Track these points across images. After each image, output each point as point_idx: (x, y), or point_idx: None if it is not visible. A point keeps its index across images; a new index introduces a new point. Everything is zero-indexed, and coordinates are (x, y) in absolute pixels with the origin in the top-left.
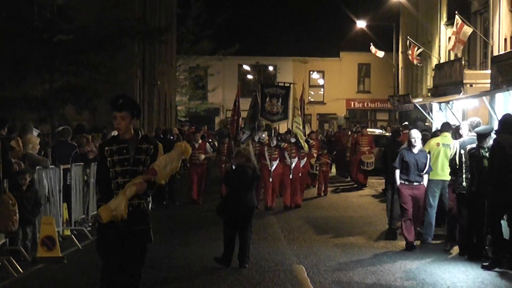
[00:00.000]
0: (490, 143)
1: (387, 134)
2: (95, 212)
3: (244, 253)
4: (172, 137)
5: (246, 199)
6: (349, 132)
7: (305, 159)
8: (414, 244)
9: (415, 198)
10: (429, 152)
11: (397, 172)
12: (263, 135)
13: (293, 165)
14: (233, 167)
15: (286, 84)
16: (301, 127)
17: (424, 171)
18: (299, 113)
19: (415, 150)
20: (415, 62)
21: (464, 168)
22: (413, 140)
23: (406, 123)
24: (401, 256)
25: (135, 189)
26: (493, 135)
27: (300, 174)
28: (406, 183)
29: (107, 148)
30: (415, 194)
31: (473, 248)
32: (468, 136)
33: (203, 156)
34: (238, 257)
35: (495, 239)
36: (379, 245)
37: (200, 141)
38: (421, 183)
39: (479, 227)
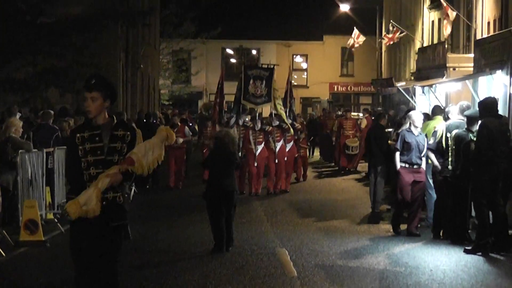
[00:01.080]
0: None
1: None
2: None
3: (228, 236)
4: (155, 121)
5: (225, 183)
6: (334, 116)
7: (292, 142)
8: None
9: (415, 182)
10: (426, 135)
11: (398, 154)
12: (247, 119)
13: (277, 148)
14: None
15: (269, 66)
16: (284, 108)
17: (423, 154)
18: (279, 94)
19: (416, 132)
20: (390, 42)
21: (450, 151)
22: (415, 121)
23: (379, 108)
24: (384, 240)
25: (108, 180)
26: None
27: (286, 158)
28: (407, 166)
29: (78, 135)
30: (416, 177)
31: (456, 231)
32: (454, 119)
33: (181, 140)
34: None
35: (480, 223)
36: (362, 229)
37: (179, 124)
38: (421, 165)
39: (462, 210)
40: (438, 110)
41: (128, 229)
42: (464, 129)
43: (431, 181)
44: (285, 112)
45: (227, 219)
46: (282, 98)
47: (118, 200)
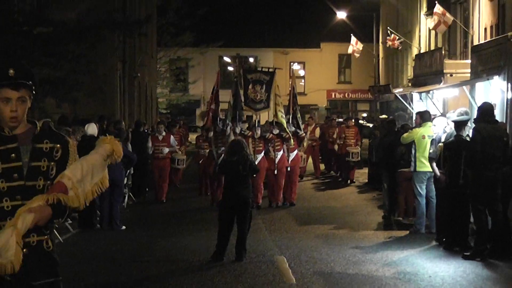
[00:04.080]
0: (468, 132)
1: (369, 124)
2: None
3: (240, 246)
4: (146, 131)
5: (240, 191)
6: (336, 124)
7: (295, 151)
8: None
9: None
10: (413, 142)
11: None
12: (244, 127)
13: (278, 158)
14: (220, 158)
15: (270, 70)
16: (285, 116)
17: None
18: (282, 101)
19: None
20: (396, 45)
21: (445, 160)
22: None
23: (365, 115)
24: (383, 246)
25: (32, 218)
26: (470, 124)
27: (288, 169)
28: None
29: None
30: None
31: (455, 237)
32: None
33: (166, 150)
34: (235, 250)
35: (478, 228)
36: (360, 236)
37: (164, 132)
38: None
39: (463, 217)
40: (427, 116)
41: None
42: (454, 136)
43: (419, 188)
44: (288, 120)
45: (241, 228)
46: (284, 105)
47: (46, 246)
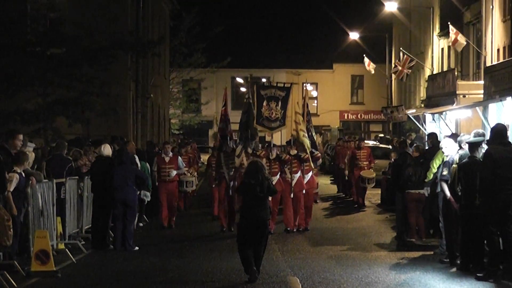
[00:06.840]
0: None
1: (382, 146)
2: (89, 225)
3: (255, 266)
4: (159, 151)
5: (257, 212)
6: (352, 144)
7: (310, 173)
8: None
9: None
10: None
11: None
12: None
13: (294, 181)
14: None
15: (286, 85)
16: (307, 135)
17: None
18: (302, 118)
19: None
20: (404, 73)
21: (459, 181)
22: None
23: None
24: (396, 267)
25: None
26: (485, 145)
27: (304, 192)
28: None
29: None
30: None
31: (470, 258)
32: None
33: (174, 172)
34: None
35: (492, 250)
36: (373, 257)
37: (171, 154)
38: None
39: (478, 237)
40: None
41: None
42: (468, 157)
43: None
44: None
45: (257, 249)
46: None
47: None
